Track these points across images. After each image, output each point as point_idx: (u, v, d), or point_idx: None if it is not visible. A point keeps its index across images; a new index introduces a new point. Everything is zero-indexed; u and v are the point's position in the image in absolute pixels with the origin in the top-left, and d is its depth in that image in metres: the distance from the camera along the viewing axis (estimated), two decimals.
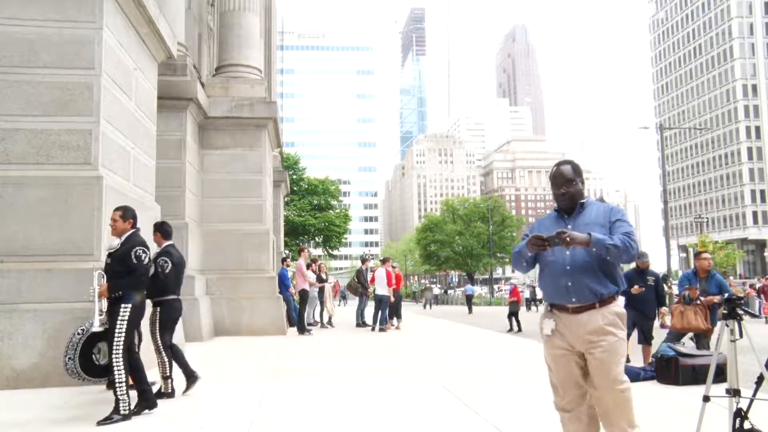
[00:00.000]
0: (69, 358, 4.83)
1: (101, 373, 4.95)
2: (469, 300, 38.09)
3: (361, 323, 16.08)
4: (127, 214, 5.03)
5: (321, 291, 15.97)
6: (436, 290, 65.16)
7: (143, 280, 4.95)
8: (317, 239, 47.75)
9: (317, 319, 16.35)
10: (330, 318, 16.08)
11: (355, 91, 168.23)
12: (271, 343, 11.06)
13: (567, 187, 3.22)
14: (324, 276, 16.40)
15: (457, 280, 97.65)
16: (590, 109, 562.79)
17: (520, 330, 18.08)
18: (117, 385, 4.74)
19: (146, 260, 4.95)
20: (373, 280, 15.30)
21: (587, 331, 3.04)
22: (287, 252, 28.42)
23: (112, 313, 4.83)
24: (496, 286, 76.40)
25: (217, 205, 13.18)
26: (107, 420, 4.69)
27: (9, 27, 6.64)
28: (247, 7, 14.49)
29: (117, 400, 4.74)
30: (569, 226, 3.13)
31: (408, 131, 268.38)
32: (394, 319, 15.67)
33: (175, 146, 11.58)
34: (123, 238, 5.00)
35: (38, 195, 6.54)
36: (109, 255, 5.02)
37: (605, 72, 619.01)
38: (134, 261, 4.84)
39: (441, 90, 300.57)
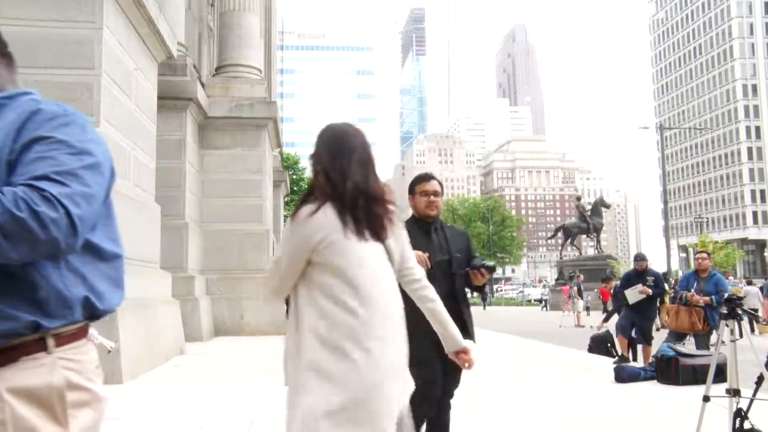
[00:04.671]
0: None
1: None
2: None
3: None
4: None
5: None
6: None
7: None
8: None
9: None
10: None
11: (355, 91, 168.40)
12: (271, 343, 11.05)
13: None
14: None
15: None
16: (590, 109, 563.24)
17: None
18: None
19: None
20: None
21: None
22: None
23: None
24: (495, 286, 76.42)
25: (217, 205, 13.19)
26: None
27: (9, 27, 6.63)
28: (247, 7, 14.50)
29: None
30: None
31: (408, 131, 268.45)
32: None
33: (175, 146, 11.58)
34: None
35: None
36: None
37: (605, 72, 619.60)
38: None
39: (441, 90, 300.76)
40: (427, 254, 3.07)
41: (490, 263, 3.30)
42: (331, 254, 1.97)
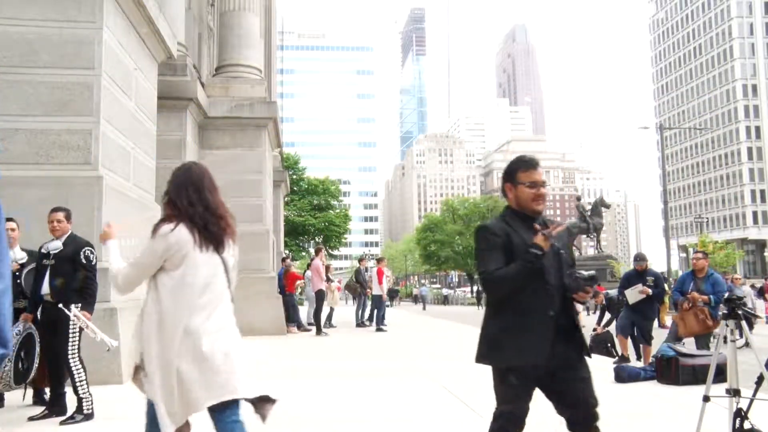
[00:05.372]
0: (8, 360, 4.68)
1: (20, 379, 4.84)
2: (423, 299, 43.43)
3: (361, 323, 16.10)
4: (70, 213, 5.13)
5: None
6: (446, 291, 66.22)
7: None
8: (317, 239, 47.72)
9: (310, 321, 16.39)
10: (330, 315, 16.13)
11: (355, 91, 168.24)
12: (271, 343, 11.06)
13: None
14: (330, 276, 16.46)
15: (457, 280, 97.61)
16: (590, 109, 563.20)
17: None
18: (78, 384, 4.79)
19: (95, 260, 5.05)
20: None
21: None
22: (287, 252, 28.42)
23: (59, 315, 4.80)
24: None
25: None
26: (70, 419, 4.72)
27: (9, 27, 6.64)
28: (247, 7, 14.49)
29: (80, 399, 4.80)
30: None
31: (408, 131, 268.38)
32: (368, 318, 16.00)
33: (175, 146, 11.58)
34: (64, 238, 5.02)
35: (38, 195, 6.53)
36: (53, 256, 4.96)
37: (605, 72, 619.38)
38: (84, 261, 4.93)
39: (441, 90, 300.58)
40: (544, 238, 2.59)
41: (589, 273, 2.75)
42: (179, 261, 2.59)
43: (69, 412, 4.89)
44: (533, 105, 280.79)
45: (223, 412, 2.66)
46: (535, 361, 2.61)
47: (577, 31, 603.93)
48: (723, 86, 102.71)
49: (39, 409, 5.04)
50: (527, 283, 2.61)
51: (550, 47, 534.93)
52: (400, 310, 32.52)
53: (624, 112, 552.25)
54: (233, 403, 2.69)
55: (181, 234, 2.60)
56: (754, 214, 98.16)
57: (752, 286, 24.17)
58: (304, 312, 16.30)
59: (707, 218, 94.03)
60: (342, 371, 7.82)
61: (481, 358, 2.77)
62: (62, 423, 4.68)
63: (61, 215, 5.03)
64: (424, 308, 40.53)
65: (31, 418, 4.86)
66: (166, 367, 2.57)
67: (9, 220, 5.23)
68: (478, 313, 32.81)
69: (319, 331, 13.28)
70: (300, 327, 14.55)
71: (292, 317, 14.36)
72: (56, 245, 4.99)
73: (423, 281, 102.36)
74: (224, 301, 2.71)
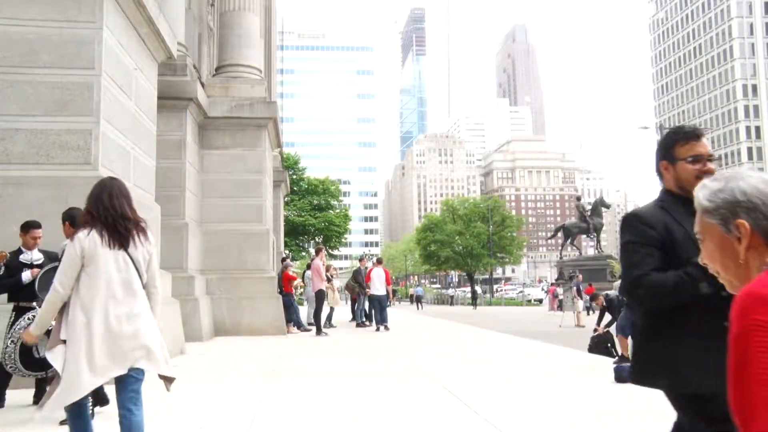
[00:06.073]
0: (11, 342, 4.77)
1: (35, 367, 4.86)
2: (419, 300, 44.08)
3: (360, 323, 16.10)
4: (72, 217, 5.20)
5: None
6: (451, 291, 66.64)
7: None
8: (317, 239, 47.73)
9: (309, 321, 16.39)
10: (330, 315, 16.13)
11: (355, 91, 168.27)
12: (271, 343, 11.06)
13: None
14: (330, 276, 16.45)
15: (457, 280, 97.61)
16: (590, 109, 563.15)
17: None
18: None
19: None
20: (368, 279, 15.38)
21: None
22: (287, 252, 28.41)
23: None
24: (495, 286, 76.42)
25: (217, 205, 13.18)
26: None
27: (9, 27, 6.64)
28: (247, 7, 14.49)
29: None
30: None
31: (408, 131, 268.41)
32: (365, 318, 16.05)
33: (175, 146, 11.58)
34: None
35: (38, 195, 6.54)
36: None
37: (605, 72, 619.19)
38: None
39: (441, 90, 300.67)
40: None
41: None
42: (91, 260, 3.11)
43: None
44: (533, 105, 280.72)
45: (125, 383, 3.12)
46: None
47: (577, 31, 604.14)
48: (723, 86, 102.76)
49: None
50: (694, 296, 2.02)
51: (550, 47, 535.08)
52: (400, 310, 32.52)
53: (624, 112, 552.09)
54: (132, 378, 3.14)
55: (93, 237, 3.14)
56: None
57: None
58: (304, 312, 16.31)
59: None
60: (342, 371, 7.82)
61: (648, 379, 2.28)
62: (62, 423, 4.68)
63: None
64: (417, 308, 40.66)
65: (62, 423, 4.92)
66: (76, 342, 3.07)
67: (37, 227, 5.33)
68: (475, 313, 32.80)
69: (319, 331, 13.29)
70: (300, 327, 14.55)
71: (289, 317, 14.35)
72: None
73: (423, 281, 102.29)
74: (134, 289, 3.21)
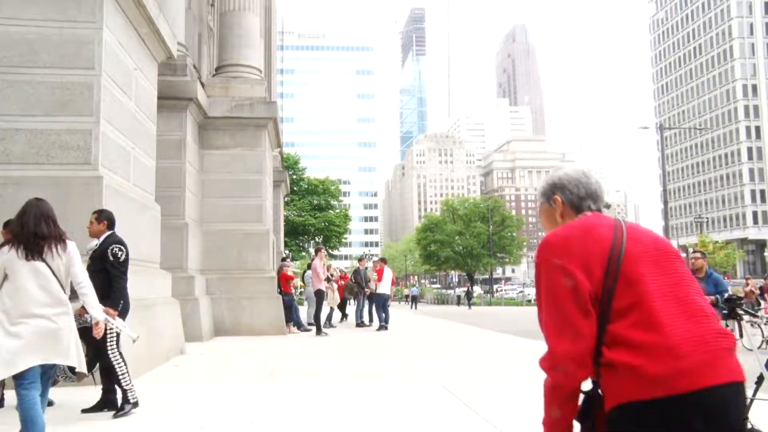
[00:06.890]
0: None
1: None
2: (414, 299, 44.47)
3: (360, 323, 16.10)
4: (101, 215, 5.24)
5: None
6: (459, 290, 66.61)
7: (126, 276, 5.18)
8: (317, 239, 47.75)
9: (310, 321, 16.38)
10: (330, 315, 16.13)
11: (355, 91, 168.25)
12: (271, 343, 11.06)
13: None
14: (330, 276, 16.43)
15: (457, 280, 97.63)
16: (590, 109, 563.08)
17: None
18: (120, 377, 4.98)
19: (123, 257, 5.12)
20: (380, 278, 15.49)
21: None
22: (287, 252, 28.42)
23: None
24: (495, 286, 76.46)
25: (217, 205, 13.18)
26: (121, 411, 4.94)
27: (9, 27, 6.64)
28: (247, 7, 14.49)
29: (124, 391, 5.00)
30: None
31: (408, 131, 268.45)
32: (366, 318, 16.03)
33: (175, 146, 11.58)
34: (101, 239, 5.18)
35: (38, 195, 6.52)
36: (90, 255, 5.17)
37: (605, 72, 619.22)
38: (111, 258, 5.03)
39: (441, 90, 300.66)
40: None
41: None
42: (11, 271, 3.72)
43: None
44: (533, 105, 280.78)
45: (25, 378, 3.63)
46: None
47: (577, 32, 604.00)
48: (723, 86, 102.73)
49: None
50: None
51: (550, 47, 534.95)
52: (399, 311, 32.52)
53: (624, 112, 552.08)
54: (33, 372, 3.66)
55: (11, 252, 3.74)
56: (754, 214, 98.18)
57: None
58: (304, 312, 16.30)
59: (707, 218, 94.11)
60: (342, 371, 7.82)
61: None
62: (116, 416, 4.93)
63: (92, 217, 5.26)
64: (411, 308, 40.73)
65: (84, 411, 5.03)
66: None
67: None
68: (470, 313, 32.76)
69: (319, 331, 13.29)
70: (300, 327, 14.54)
71: (290, 317, 14.35)
72: (93, 244, 5.20)
73: (423, 281, 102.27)
74: (54, 294, 3.76)
